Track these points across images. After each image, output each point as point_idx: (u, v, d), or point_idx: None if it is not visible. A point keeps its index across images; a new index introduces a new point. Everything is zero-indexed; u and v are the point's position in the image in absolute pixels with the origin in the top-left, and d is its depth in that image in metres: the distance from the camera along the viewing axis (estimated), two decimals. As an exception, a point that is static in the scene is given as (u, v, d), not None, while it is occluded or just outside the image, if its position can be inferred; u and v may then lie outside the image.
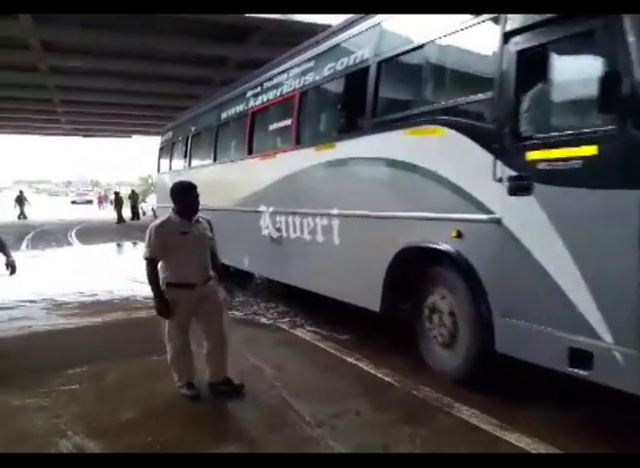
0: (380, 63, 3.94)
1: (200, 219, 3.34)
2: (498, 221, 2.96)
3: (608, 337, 2.46)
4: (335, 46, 4.62)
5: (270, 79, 5.82)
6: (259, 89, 6.11)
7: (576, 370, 2.61)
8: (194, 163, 8.43)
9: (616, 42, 2.38)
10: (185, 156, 8.78)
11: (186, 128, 8.96)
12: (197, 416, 3.09)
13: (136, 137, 31.76)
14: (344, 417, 3.06)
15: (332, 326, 4.99)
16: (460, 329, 3.38)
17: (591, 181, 2.47)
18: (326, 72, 4.68)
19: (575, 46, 2.65)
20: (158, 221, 3.24)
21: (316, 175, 4.76)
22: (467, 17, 3.16)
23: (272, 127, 5.74)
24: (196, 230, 3.24)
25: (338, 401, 3.27)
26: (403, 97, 4.08)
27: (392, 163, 3.75)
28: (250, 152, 6.23)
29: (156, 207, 11.00)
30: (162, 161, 10.53)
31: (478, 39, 3.17)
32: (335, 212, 4.51)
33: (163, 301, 3.11)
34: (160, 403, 3.22)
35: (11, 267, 3.90)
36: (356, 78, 4.18)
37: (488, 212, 3.01)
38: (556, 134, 2.64)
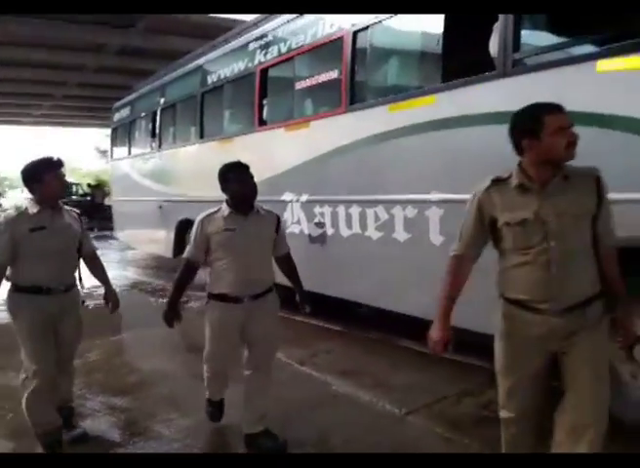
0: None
1: (262, 212, 2.78)
2: None
3: None
4: None
5: (291, 21, 4.20)
6: (270, 38, 4.49)
7: None
8: (167, 143, 6.68)
9: None
10: (154, 135, 7.19)
11: (152, 100, 7.57)
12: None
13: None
14: (320, 356, 4.19)
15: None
16: None
17: None
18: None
19: None
20: (206, 212, 2.76)
21: (392, 145, 3.73)
22: None
23: (300, 86, 4.28)
24: (251, 227, 2.70)
25: (308, 345, 4.39)
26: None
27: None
28: (261, 123, 4.52)
29: (113, 201, 9.16)
30: (117, 145, 8.70)
31: None
32: (434, 197, 3.43)
33: (171, 310, 2.76)
34: (151, 370, 3.95)
35: (112, 302, 3.05)
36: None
37: None
38: None
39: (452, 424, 2.96)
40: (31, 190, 2.74)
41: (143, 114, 8.11)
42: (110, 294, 3.04)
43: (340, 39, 4.14)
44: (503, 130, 2.94)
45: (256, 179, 4.66)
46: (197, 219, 2.75)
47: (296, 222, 4.72)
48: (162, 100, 7.37)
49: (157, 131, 7.47)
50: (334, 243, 4.38)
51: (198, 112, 6.26)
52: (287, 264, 2.93)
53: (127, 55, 13.33)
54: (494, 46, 3.08)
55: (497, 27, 3.04)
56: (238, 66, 5.55)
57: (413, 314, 3.76)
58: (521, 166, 1.91)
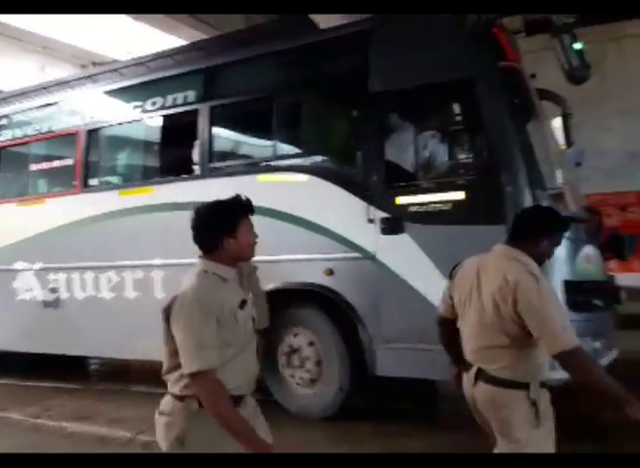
0: (214, 107, 4.22)
1: None
2: (372, 258, 3.26)
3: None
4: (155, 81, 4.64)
5: (28, 111, 4.85)
6: (5, 121, 5.00)
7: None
8: None
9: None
10: None
11: None
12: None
13: None
14: (53, 410, 4.52)
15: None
16: (327, 366, 3.75)
17: (459, 219, 3.03)
18: (129, 113, 4.76)
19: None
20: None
21: (123, 221, 4.57)
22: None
23: (35, 167, 4.91)
24: None
25: (41, 403, 4.72)
26: (249, 142, 4.13)
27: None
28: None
29: None
30: None
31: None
32: (156, 262, 4.40)
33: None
34: None
35: None
36: (188, 117, 4.36)
37: (360, 250, 3.57)
38: (426, 181, 3.52)
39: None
40: (213, 247, 1.81)
41: None
42: None
43: (76, 134, 4.91)
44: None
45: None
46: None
47: (28, 290, 5.03)
48: None
49: None
50: (68, 306, 4.85)
51: None
52: None
53: None
54: (197, 155, 4.37)
55: (197, 143, 4.36)
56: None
57: (144, 358, 4.48)
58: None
